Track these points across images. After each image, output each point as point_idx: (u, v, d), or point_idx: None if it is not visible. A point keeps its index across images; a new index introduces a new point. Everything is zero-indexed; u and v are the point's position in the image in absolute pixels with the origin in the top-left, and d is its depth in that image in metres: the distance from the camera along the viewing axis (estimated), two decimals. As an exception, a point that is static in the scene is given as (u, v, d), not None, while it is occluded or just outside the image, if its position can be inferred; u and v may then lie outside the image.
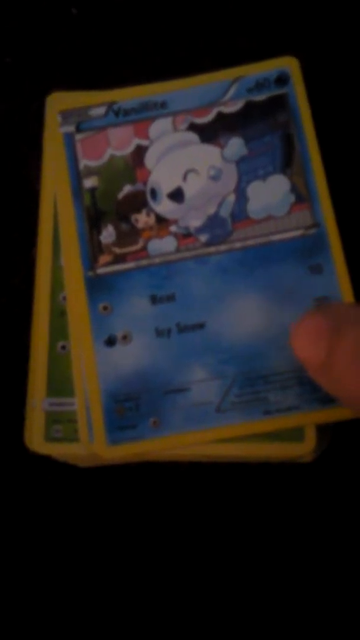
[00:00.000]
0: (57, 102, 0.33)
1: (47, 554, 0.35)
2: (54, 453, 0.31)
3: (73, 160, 0.33)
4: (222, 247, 0.32)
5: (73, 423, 0.31)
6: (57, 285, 0.32)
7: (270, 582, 0.35)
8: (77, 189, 0.32)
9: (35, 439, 0.31)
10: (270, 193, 0.32)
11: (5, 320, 0.37)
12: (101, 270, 0.32)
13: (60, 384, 0.31)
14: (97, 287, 0.31)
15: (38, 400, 0.31)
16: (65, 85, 0.34)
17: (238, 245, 0.32)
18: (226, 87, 0.33)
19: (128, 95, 0.33)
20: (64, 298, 0.32)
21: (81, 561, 0.35)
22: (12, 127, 0.39)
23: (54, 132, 0.33)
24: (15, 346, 0.36)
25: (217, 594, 0.34)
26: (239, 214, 0.32)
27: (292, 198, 0.32)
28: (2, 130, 0.39)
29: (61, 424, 0.31)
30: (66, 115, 0.33)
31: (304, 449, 0.30)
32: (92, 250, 0.32)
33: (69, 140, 0.33)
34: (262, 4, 0.39)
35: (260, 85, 0.33)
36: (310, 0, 0.39)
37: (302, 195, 0.32)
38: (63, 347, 0.32)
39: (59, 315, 0.32)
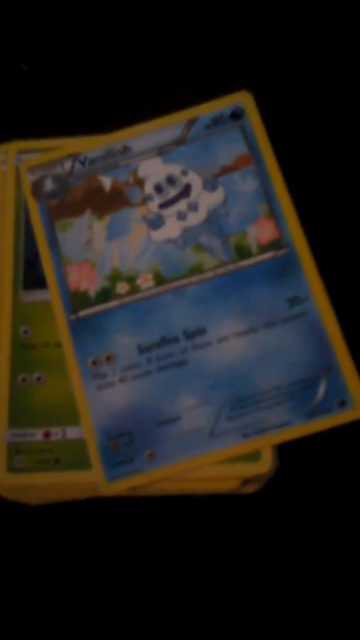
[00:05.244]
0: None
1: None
2: (17, 483, 0.31)
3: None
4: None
5: (35, 453, 0.31)
6: (17, 319, 0.33)
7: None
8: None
9: None
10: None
11: None
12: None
13: (21, 415, 0.32)
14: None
15: None
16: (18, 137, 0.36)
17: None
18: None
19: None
20: (25, 332, 0.33)
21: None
22: None
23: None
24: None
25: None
26: (210, 244, 0.33)
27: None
28: None
29: (23, 454, 0.31)
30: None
31: (260, 469, 0.30)
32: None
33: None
34: (212, 42, 0.41)
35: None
36: (261, 35, 0.41)
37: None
38: (24, 380, 0.32)
39: (20, 348, 0.33)
